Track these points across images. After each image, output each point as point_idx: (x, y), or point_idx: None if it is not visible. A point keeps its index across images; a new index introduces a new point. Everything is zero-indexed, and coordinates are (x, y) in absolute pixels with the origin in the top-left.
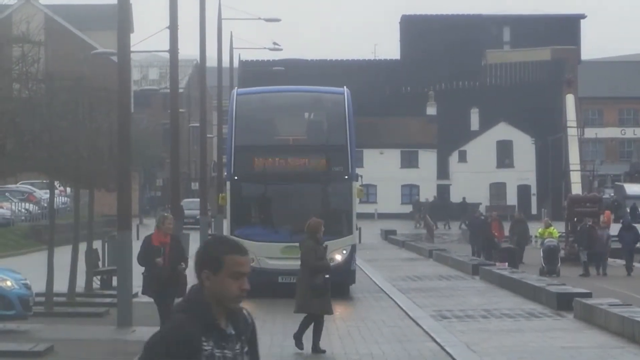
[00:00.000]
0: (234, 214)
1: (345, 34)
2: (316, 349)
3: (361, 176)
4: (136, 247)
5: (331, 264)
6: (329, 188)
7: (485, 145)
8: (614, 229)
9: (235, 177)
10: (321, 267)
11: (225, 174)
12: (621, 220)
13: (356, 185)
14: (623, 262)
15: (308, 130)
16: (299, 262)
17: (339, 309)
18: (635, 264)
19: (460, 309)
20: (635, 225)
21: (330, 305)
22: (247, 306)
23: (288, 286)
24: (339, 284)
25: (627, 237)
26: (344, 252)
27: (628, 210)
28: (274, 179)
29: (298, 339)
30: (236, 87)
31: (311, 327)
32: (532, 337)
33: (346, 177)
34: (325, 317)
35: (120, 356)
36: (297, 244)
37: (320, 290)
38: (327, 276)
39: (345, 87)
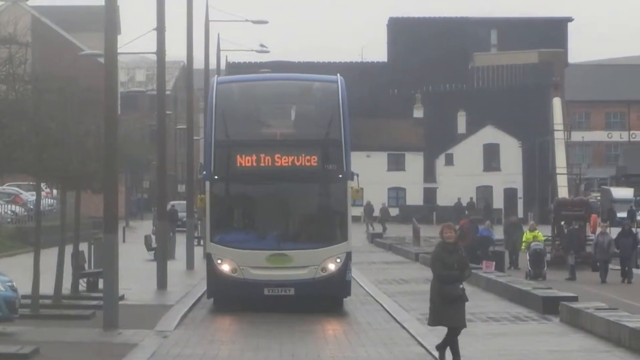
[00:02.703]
0: (214, 218)
1: (332, 36)
2: (442, 356)
3: (357, 175)
4: (122, 249)
5: (323, 274)
6: (321, 188)
7: (472, 148)
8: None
9: (215, 177)
10: (445, 277)
11: (205, 172)
12: (607, 223)
13: (351, 185)
14: (612, 266)
15: (297, 124)
16: (287, 272)
17: (326, 313)
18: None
19: None
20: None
21: (463, 317)
22: (225, 322)
23: (275, 299)
24: (332, 296)
25: (625, 243)
26: (338, 260)
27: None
28: (259, 178)
29: (441, 356)
30: (216, 75)
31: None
32: (518, 341)
33: (340, 176)
34: (325, 321)
35: (106, 358)
36: (285, 252)
37: (450, 299)
38: (461, 286)
39: (338, 74)
